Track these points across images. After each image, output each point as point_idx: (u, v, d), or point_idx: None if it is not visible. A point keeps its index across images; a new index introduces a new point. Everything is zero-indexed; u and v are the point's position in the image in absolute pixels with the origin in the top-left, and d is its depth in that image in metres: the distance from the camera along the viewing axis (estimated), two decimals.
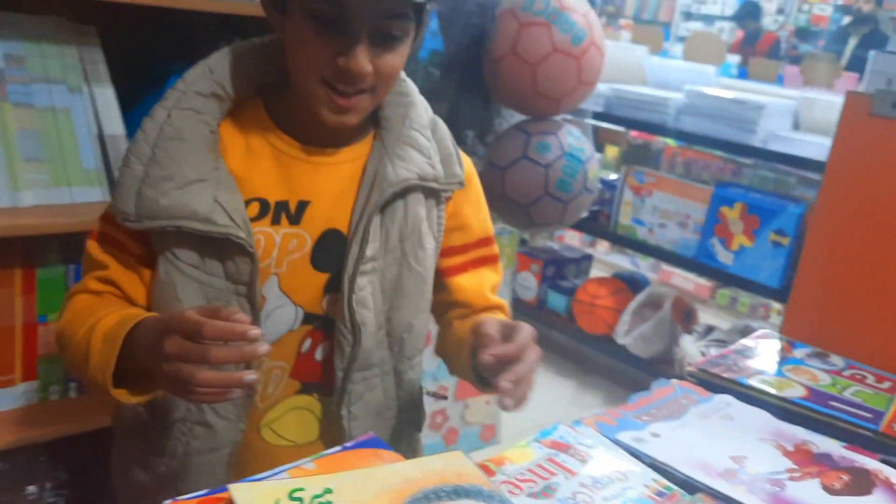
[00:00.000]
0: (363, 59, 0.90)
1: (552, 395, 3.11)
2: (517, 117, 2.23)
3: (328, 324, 1.02)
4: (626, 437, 0.97)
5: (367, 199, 1.00)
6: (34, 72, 1.38)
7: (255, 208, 0.98)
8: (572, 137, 2.21)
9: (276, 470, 0.70)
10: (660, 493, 0.87)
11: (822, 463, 0.97)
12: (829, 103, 2.83)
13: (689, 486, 0.90)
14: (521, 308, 3.48)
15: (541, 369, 1.01)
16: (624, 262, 4.58)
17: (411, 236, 1.03)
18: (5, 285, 1.39)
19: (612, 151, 4.55)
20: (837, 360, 1.26)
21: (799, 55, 6.20)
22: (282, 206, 0.99)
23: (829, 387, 1.16)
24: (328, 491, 0.65)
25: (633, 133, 4.35)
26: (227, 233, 0.92)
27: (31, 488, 1.48)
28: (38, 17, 1.39)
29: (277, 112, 1.00)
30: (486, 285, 1.14)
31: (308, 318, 1.02)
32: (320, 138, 1.00)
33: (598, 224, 3.20)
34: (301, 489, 0.64)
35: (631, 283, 3.35)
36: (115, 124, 1.47)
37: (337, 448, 0.73)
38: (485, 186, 1.17)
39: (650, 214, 3.02)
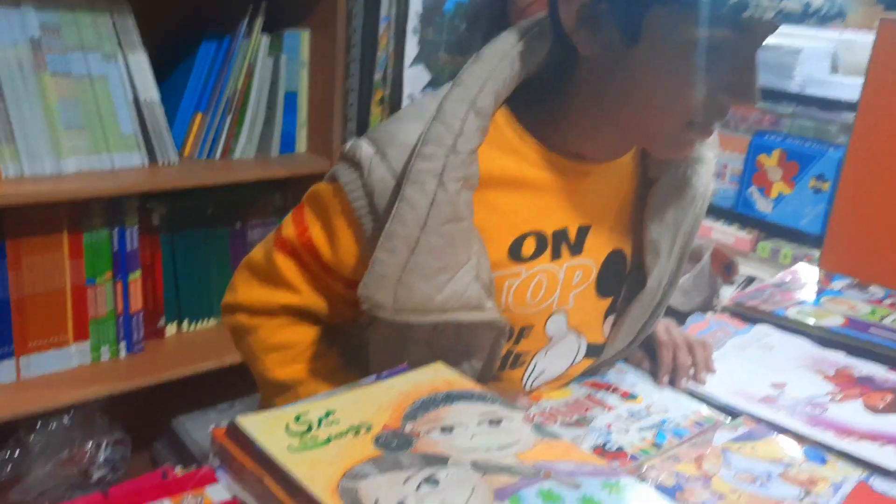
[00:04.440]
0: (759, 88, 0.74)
1: None
2: None
3: (600, 349, 0.95)
4: None
5: (678, 217, 0.88)
6: (70, 41, 1.41)
7: (530, 245, 0.84)
8: None
9: (317, 396, 0.72)
10: (699, 424, 0.87)
11: (865, 385, 0.96)
12: (868, 44, 2.75)
13: (730, 412, 0.90)
14: None
15: None
16: None
17: (692, 237, 0.93)
18: (54, 249, 1.43)
19: None
20: (877, 290, 1.25)
21: None
22: (560, 236, 0.85)
23: (868, 315, 1.15)
24: (331, 412, 0.66)
25: None
26: (494, 319, 0.80)
27: (89, 444, 1.54)
28: None
29: (529, 122, 0.82)
30: None
31: (590, 350, 0.94)
32: (591, 150, 0.83)
33: None
34: (305, 413, 0.66)
35: None
36: (150, 90, 1.50)
37: (372, 377, 0.75)
38: None
39: None
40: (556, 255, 0.86)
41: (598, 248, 0.89)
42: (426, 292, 0.76)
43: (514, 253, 0.84)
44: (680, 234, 0.89)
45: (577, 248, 0.87)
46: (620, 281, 0.93)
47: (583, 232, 0.87)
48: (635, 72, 0.75)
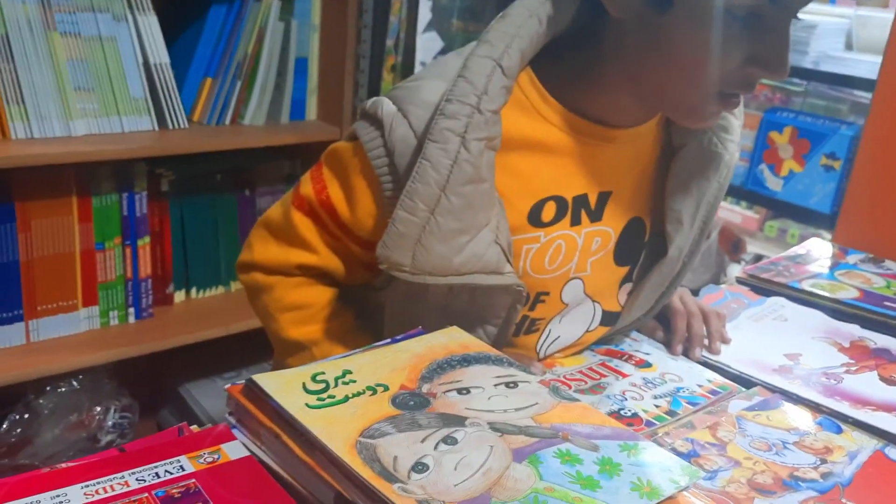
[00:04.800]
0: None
1: None
2: None
3: (615, 317, 0.94)
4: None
5: (701, 185, 0.87)
6: (80, 0, 1.39)
7: (550, 210, 0.82)
8: None
9: (332, 357, 0.72)
10: (714, 392, 0.87)
11: (880, 357, 0.96)
12: (883, 21, 2.72)
13: (744, 382, 0.90)
14: None
15: None
16: None
17: (715, 206, 0.90)
18: (63, 213, 1.43)
19: None
20: (892, 265, 1.24)
21: None
22: (580, 201, 0.84)
23: (883, 289, 1.14)
24: (348, 372, 0.66)
25: None
26: (512, 283, 0.79)
27: (98, 409, 1.54)
28: None
29: (553, 84, 0.80)
30: None
31: (605, 318, 0.93)
32: (615, 115, 0.82)
33: None
34: (322, 372, 0.66)
35: None
36: (159, 53, 1.48)
37: (387, 340, 0.74)
38: None
39: None
40: (575, 220, 0.84)
41: (617, 216, 0.87)
42: (444, 254, 0.75)
43: (534, 218, 0.82)
44: (703, 204, 0.88)
45: (596, 215, 0.86)
46: (638, 250, 0.92)
47: (603, 198, 0.86)
48: (665, 38, 0.73)
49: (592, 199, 0.85)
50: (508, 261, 0.79)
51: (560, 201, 0.83)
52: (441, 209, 0.74)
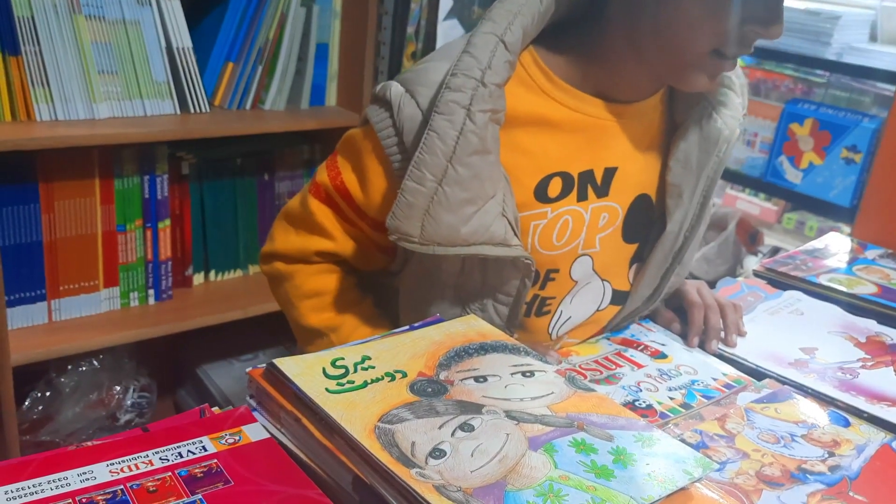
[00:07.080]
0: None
1: None
2: None
3: (625, 295, 0.95)
4: None
5: (701, 160, 0.88)
6: None
7: (556, 185, 0.84)
8: None
9: (351, 343, 0.73)
10: (728, 386, 0.87)
11: None
12: None
13: (760, 375, 0.90)
14: None
15: None
16: None
17: (714, 181, 0.91)
18: (86, 195, 1.44)
19: None
20: None
21: None
22: (586, 177, 0.85)
23: None
24: (367, 358, 0.67)
25: None
26: (519, 255, 0.81)
27: (117, 388, 1.56)
28: None
29: (556, 63, 0.83)
30: None
31: (615, 297, 0.94)
32: (618, 90, 0.84)
33: None
34: (341, 358, 0.67)
35: None
36: (182, 37, 1.49)
37: (406, 327, 0.75)
38: None
39: None
40: (581, 196, 0.86)
41: (624, 191, 0.89)
42: (452, 223, 0.77)
43: (540, 194, 0.84)
44: (703, 178, 0.89)
45: (603, 190, 0.87)
46: (647, 227, 0.93)
47: (609, 174, 0.87)
48: (664, 10, 0.76)
49: (598, 175, 0.86)
50: (516, 234, 0.81)
51: (566, 177, 0.84)
52: (448, 179, 0.76)
